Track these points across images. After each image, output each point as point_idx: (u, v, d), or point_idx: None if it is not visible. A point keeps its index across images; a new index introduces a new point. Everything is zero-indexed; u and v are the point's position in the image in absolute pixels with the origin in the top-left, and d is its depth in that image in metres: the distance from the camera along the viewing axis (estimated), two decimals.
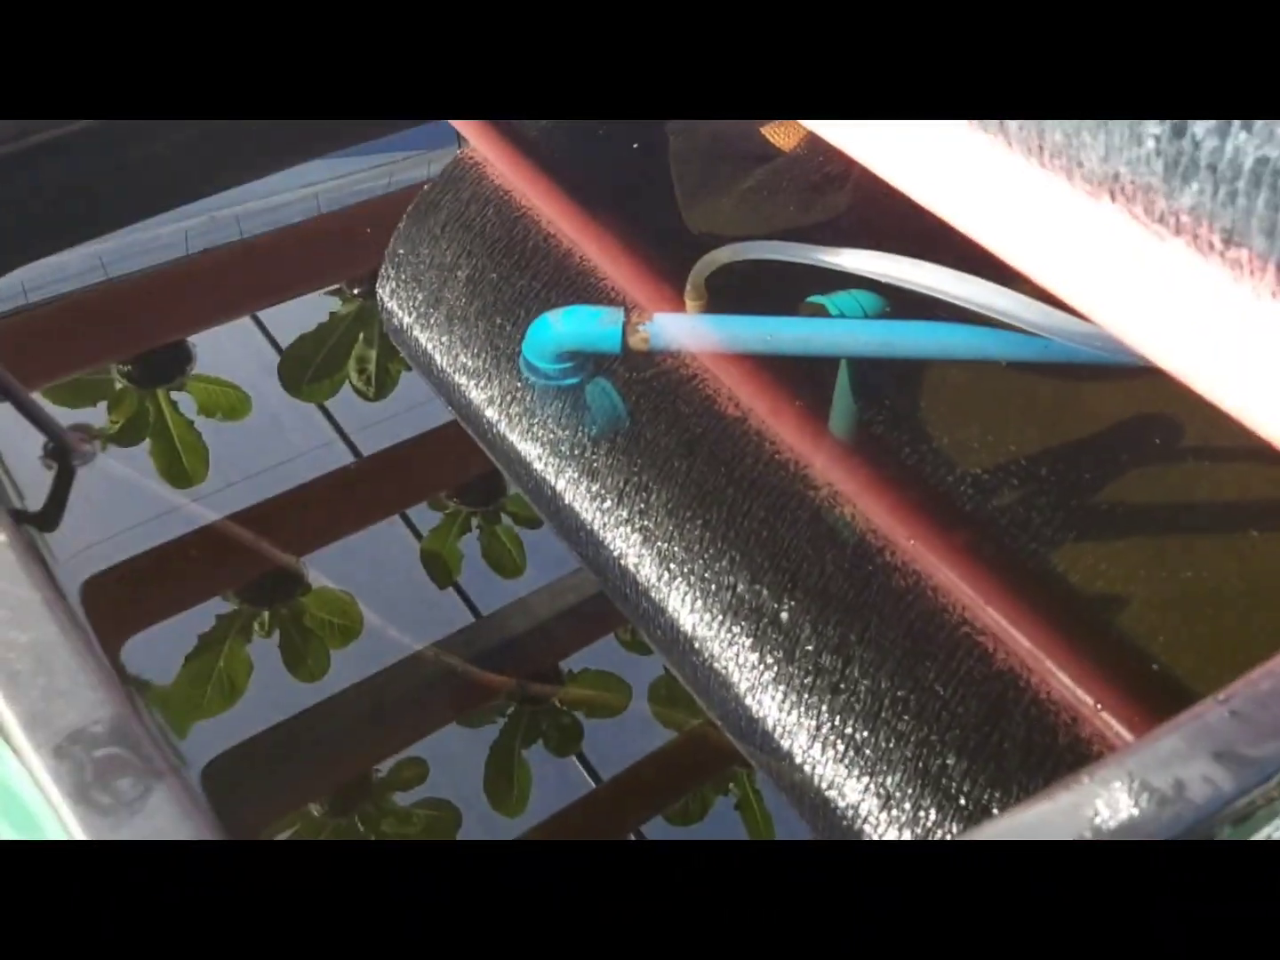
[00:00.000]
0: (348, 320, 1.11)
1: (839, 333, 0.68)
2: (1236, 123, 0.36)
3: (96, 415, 1.00)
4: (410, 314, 0.92)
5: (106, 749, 0.39)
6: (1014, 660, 0.65)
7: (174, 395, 1.04)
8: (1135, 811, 0.39)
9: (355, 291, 1.11)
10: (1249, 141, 0.36)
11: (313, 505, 0.97)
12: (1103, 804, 0.40)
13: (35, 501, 0.86)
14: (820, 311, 0.71)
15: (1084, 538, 0.70)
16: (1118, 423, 0.73)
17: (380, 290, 0.94)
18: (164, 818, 0.38)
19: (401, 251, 0.92)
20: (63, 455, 0.87)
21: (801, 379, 0.76)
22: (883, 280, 0.65)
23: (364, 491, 1.00)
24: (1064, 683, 0.64)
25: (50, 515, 0.84)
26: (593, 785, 0.84)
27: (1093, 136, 0.42)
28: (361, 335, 1.09)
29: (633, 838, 0.82)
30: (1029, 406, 0.74)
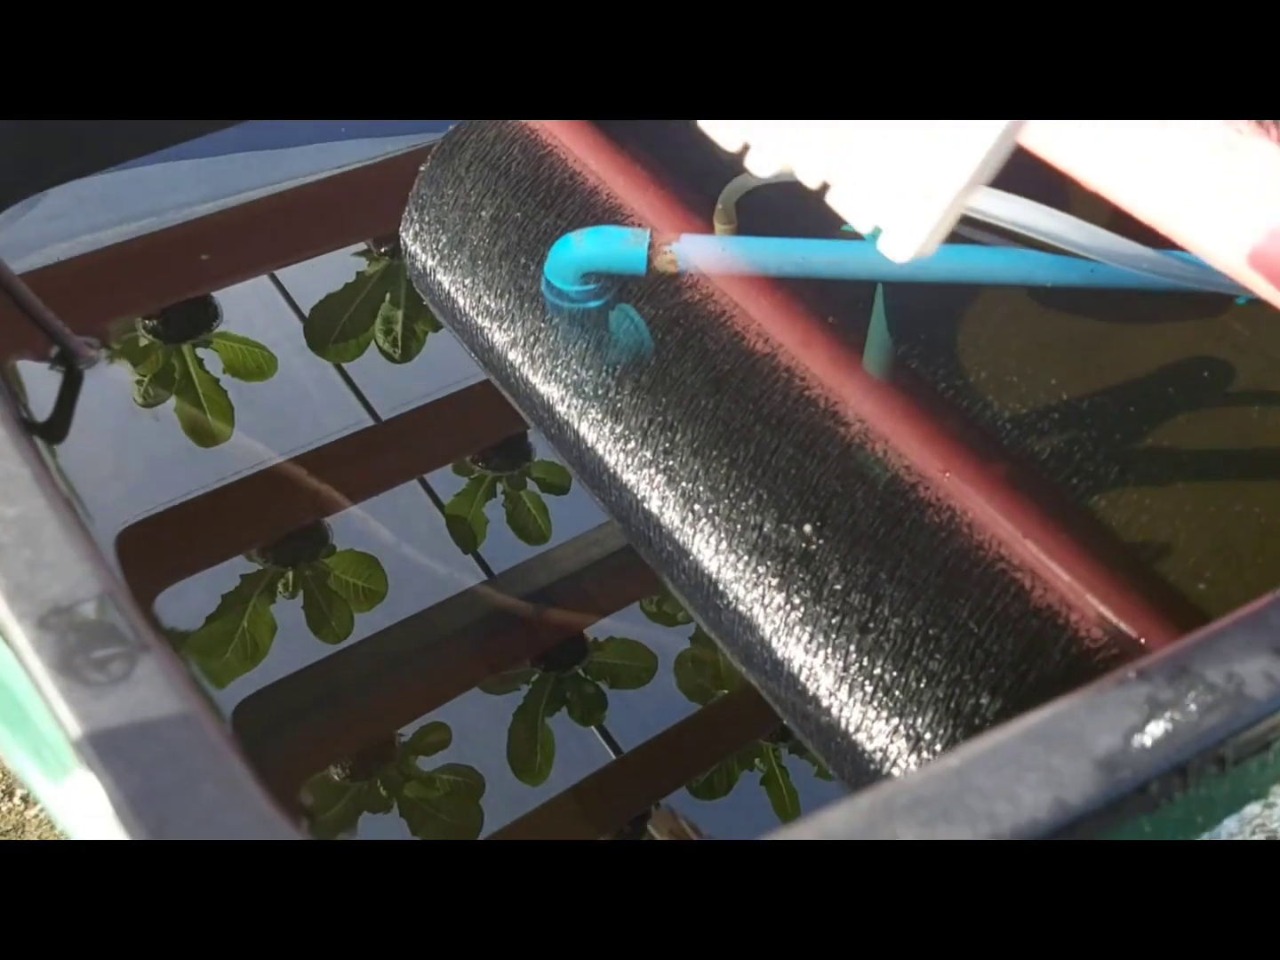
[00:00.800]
0: (374, 280, 1.10)
1: (874, 255, 0.65)
2: None
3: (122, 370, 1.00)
4: (434, 257, 0.90)
5: (90, 621, 0.37)
6: (1053, 596, 0.62)
7: (200, 353, 1.03)
8: (1191, 708, 0.37)
9: (382, 250, 1.09)
10: None
11: (337, 466, 0.96)
12: (1147, 700, 0.37)
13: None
14: (856, 235, 0.69)
15: (1127, 474, 0.67)
16: (1163, 360, 0.70)
17: (404, 234, 0.92)
18: (148, 689, 0.36)
19: (425, 193, 0.90)
20: (68, 361, 0.86)
21: (835, 310, 0.73)
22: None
23: (389, 454, 0.98)
24: (1106, 618, 0.61)
25: (56, 424, 0.83)
26: (614, 756, 0.82)
27: None
28: (388, 295, 1.08)
29: (658, 807, 0.80)
30: (1071, 342, 0.71)
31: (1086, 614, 0.62)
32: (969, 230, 0.66)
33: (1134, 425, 0.68)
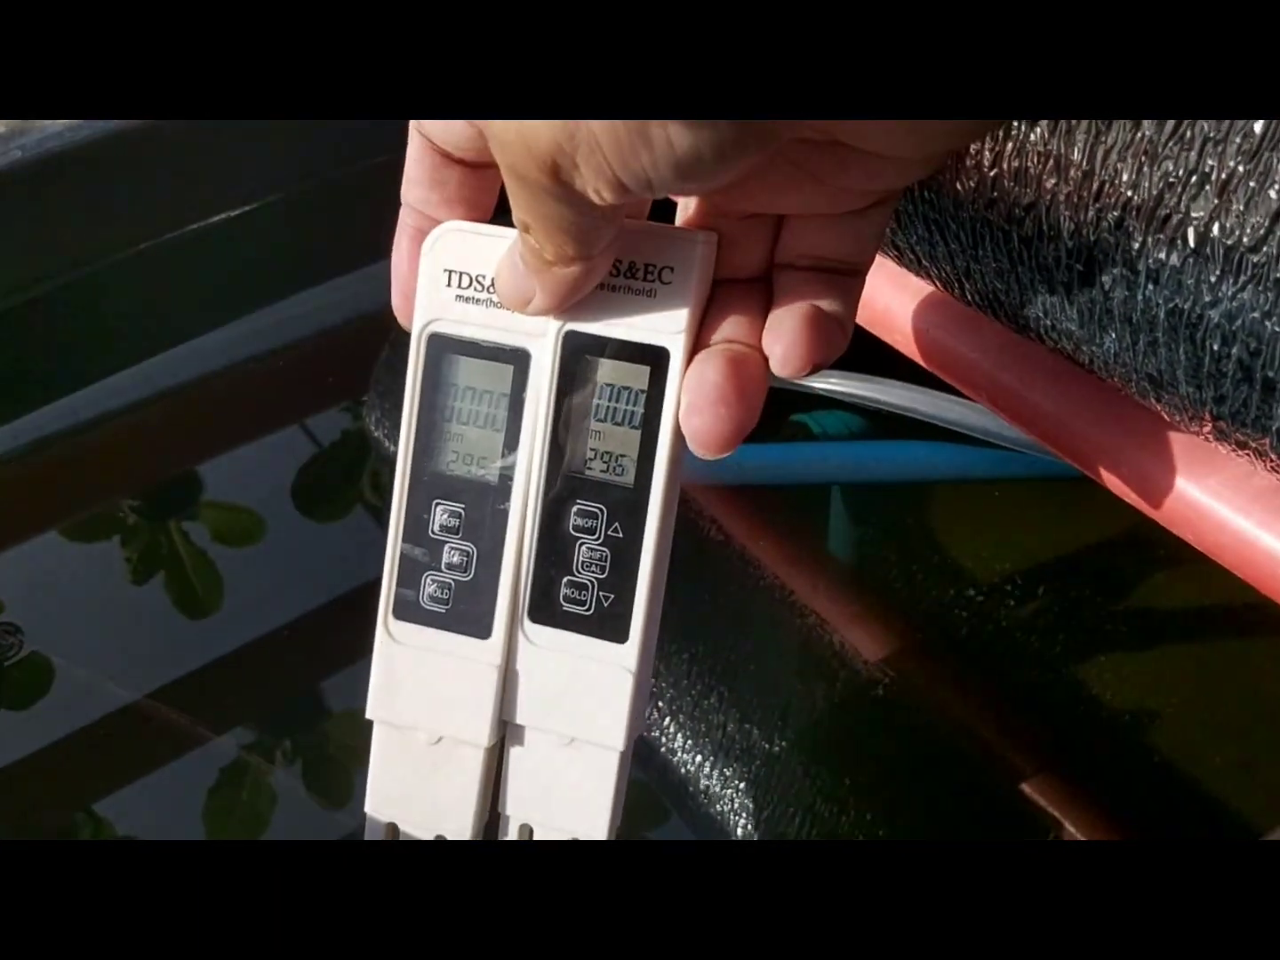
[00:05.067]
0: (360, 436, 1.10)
1: (816, 459, 0.64)
2: (1142, 274, 0.32)
3: (112, 549, 1.00)
4: (397, 444, 0.89)
5: None
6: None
7: (186, 526, 1.03)
8: None
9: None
10: (1158, 293, 0.32)
11: (329, 631, 0.95)
12: None
13: None
14: (804, 430, 0.68)
15: (1085, 658, 0.65)
16: (1116, 534, 0.69)
17: (366, 419, 0.92)
18: None
19: (385, 380, 0.90)
20: None
21: (789, 498, 0.72)
22: (852, 400, 0.61)
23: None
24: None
25: None
26: None
27: (1003, 282, 0.38)
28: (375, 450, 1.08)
29: None
30: (1022, 519, 0.70)
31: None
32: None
33: (1097, 604, 0.66)
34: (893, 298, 0.51)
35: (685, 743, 0.70)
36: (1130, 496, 0.44)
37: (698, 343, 0.33)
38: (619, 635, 0.35)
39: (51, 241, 0.93)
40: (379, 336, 0.97)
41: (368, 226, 1.09)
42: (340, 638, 0.92)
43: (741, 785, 0.67)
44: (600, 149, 0.26)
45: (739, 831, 0.67)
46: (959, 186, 0.36)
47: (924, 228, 0.40)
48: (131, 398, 1.04)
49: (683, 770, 0.70)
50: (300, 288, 1.07)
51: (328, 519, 1.02)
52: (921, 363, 0.51)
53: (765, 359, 0.33)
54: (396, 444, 0.95)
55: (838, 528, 0.72)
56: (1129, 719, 0.64)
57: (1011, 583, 0.68)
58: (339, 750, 0.90)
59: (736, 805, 0.67)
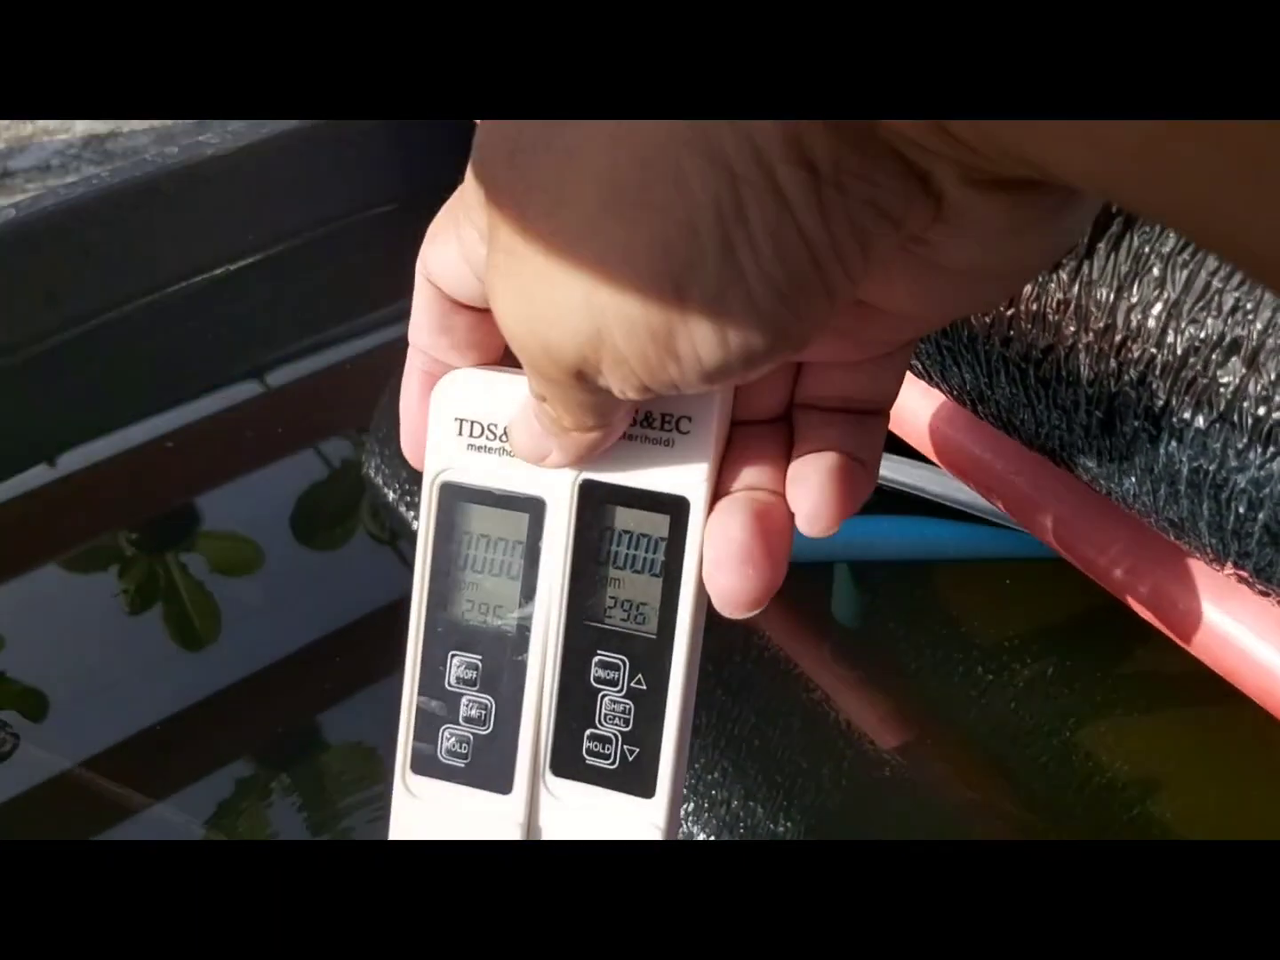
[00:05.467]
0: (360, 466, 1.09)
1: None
2: (1165, 431, 0.31)
3: (108, 580, 0.99)
4: (394, 491, 0.88)
5: None
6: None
7: (184, 557, 1.03)
8: None
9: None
10: (1181, 451, 0.31)
11: (326, 660, 0.94)
12: None
13: None
14: None
15: (1094, 735, 0.64)
16: (1125, 608, 0.68)
17: (366, 466, 0.91)
18: None
19: (384, 429, 0.89)
20: None
21: (793, 567, 0.70)
22: None
23: (387, 640, 0.97)
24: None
25: None
26: None
27: (1019, 414, 0.37)
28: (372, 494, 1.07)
29: None
30: (1031, 596, 0.69)
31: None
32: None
33: (1106, 683, 0.65)
34: (906, 391, 0.49)
35: (688, 819, 0.69)
36: (1148, 616, 0.43)
37: (718, 488, 0.32)
38: (645, 790, 0.34)
39: (52, 299, 0.92)
40: (379, 380, 0.96)
41: (376, 272, 1.09)
42: (340, 667, 0.92)
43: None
44: (627, 362, 0.25)
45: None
46: (974, 320, 0.35)
47: (938, 352, 0.38)
48: (131, 448, 1.04)
49: (683, 839, 0.69)
50: (305, 335, 1.06)
51: (326, 548, 1.01)
52: (933, 459, 0.50)
53: (789, 508, 0.32)
54: (394, 490, 0.93)
55: (843, 598, 0.71)
56: (1137, 789, 0.63)
57: (1017, 658, 0.67)
58: (335, 781, 0.89)
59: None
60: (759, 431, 0.32)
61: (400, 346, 0.36)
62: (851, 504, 0.31)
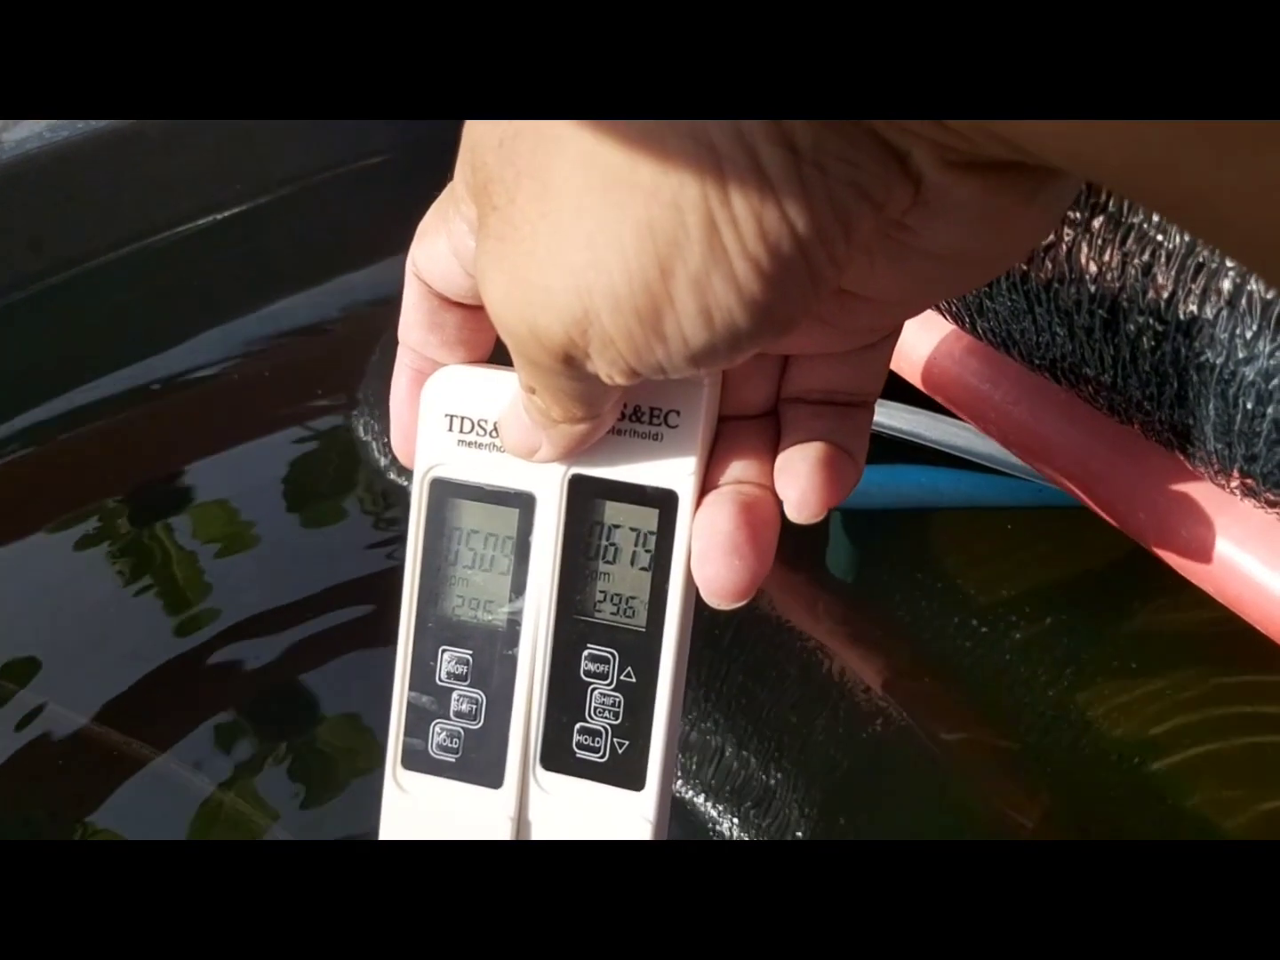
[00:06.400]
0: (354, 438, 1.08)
1: None
2: (1171, 325, 0.30)
3: (98, 552, 0.98)
4: (387, 455, 0.87)
5: None
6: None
7: (174, 526, 1.02)
8: None
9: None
10: (1187, 345, 0.30)
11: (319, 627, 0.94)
12: None
13: None
14: None
15: (1088, 685, 0.63)
16: (1121, 561, 0.67)
17: (355, 426, 0.90)
18: None
19: (373, 386, 0.88)
20: None
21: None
22: None
23: (373, 613, 0.96)
24: None
25: None
26: None
27: (1019, 323, 0.36)
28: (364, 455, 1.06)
29: None
30: (1026, 546, 0.68)
31: None
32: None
33: (1100, 632, 0.64)
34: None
35: (687, 775, 0.68)
36: (1148, 544, 0.42)
37: (706, 482, 0.32)
38: (635, 783, 0.34)
39: (36, 245, 0.91)
40: (370, 337, 0.95)
41: (364, 227, 1.07)
42: (332, 638, 0.91)
43: (737, 820, 0.65)
44: (614, 344, 0.25)
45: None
46: None
47: None
48: (117, 398, 1.03)
49: (678, 796, 0.68)
50: (293, 289, 1.05)
51: (317, 517, 1.00)
52: (928, 392, 0.49)
53: (777, 500, 0.32)
54: (385, 451, 0.92)
55: (837, 550, 0.70)
56: (1132, 745, 0.63)
57: (1015, 610, 0.66)
58: (329, 752, 0.88)
59: (733, 838, 0.65)
60: (746, 426, 0.33)
61: (393, 299, 0.36)
62: (839, 492, 0.32)
